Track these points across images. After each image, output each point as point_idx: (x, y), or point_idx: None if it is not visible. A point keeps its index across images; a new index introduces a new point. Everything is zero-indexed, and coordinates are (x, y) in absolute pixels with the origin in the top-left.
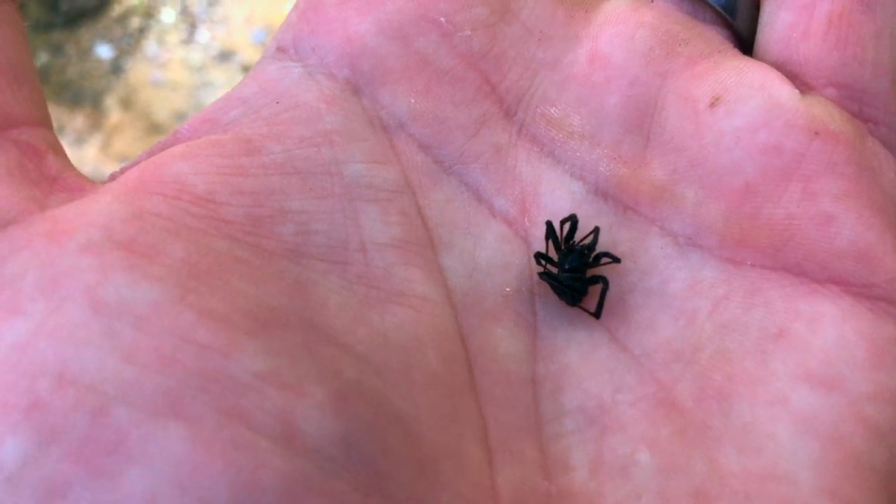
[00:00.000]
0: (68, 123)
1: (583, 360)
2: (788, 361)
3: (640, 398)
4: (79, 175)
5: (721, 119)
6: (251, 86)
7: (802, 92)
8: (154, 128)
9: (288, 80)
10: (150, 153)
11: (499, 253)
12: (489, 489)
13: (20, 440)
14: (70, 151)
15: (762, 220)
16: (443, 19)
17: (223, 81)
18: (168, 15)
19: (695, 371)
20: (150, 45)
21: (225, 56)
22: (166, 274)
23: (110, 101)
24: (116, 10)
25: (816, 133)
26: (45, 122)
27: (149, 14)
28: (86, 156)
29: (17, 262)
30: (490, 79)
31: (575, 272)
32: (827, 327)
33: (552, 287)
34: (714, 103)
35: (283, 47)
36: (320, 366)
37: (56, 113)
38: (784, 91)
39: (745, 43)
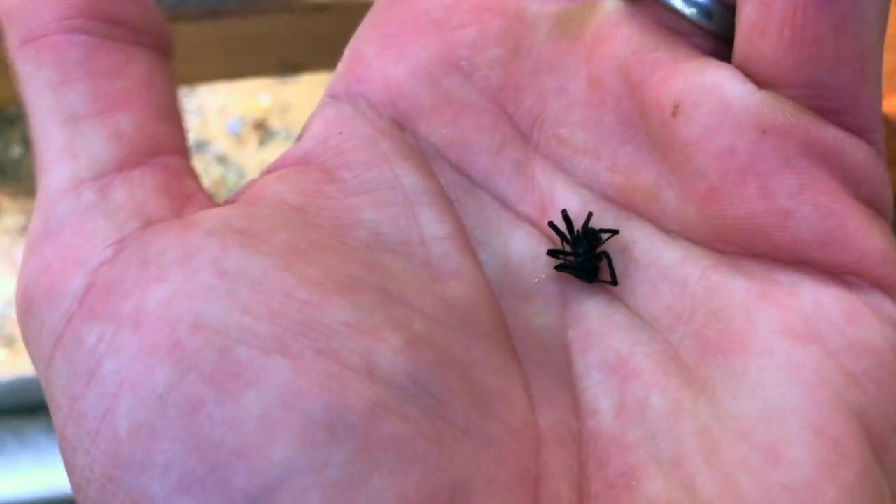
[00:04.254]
0: None
1: (604, 323)
2: (772, 320)
3: (653, 351)
4: (207, 195)
5: (682, 128)
6: (318, 125)
7: (761, 87)
8: None
9: (344, 117)
10: (251, 184)
11: (527, 248)
12: (533, 424)
13: (166, 370)
14: None
15: (728, 220)
16: (464, 62)
17: (199, 171)
18: None
19: (693, 331)
20: None
21: (200, 146)
22: (273, 251)
23: None
24: None
25: (764, 131)
26: (185, 153)
27: None
28: None
29: (160, 245)
30: (507, 108)
31: (586, 255)
32: (804, 293)
33: (571, 273)
34: (675, 112)
35: (336, 94)
36: (395, 320)
37: None
38: (736, 90)
39: (731, 46)
